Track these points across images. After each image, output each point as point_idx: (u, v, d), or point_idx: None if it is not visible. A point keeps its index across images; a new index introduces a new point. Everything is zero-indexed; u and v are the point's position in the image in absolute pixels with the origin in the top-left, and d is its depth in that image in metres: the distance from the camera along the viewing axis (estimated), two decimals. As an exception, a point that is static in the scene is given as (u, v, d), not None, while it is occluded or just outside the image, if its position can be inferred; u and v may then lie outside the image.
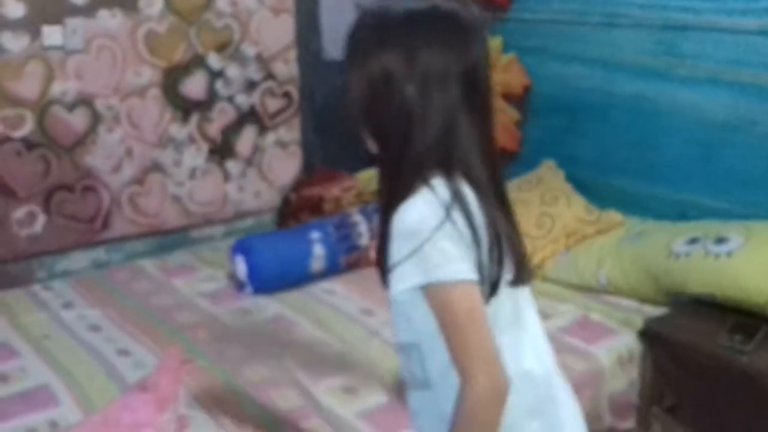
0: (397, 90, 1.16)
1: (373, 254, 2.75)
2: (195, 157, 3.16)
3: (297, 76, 3.36)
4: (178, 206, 3.15)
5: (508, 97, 3.09)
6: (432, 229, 1.11)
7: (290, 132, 3.40)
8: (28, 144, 2.77)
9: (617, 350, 2.22)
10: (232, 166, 3.26)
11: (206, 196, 3.22)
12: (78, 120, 2.85)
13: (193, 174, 3.17)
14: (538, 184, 2.80)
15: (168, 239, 3.12)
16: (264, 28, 3.23)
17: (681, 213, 2.59)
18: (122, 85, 2.93)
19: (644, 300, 2.42)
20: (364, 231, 2.80)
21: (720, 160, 2.51)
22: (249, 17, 3.18)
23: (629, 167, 2.78)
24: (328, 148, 3.51)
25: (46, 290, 2.66)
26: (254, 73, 3.24)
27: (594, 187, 2.82)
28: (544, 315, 2.37)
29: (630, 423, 2.24)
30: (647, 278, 2.38)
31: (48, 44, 2.75)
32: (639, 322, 2.27)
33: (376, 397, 1.97)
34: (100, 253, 2.98)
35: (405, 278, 1.15)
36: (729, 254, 2.19)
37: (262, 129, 3.31)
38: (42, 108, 2.78)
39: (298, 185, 3.33)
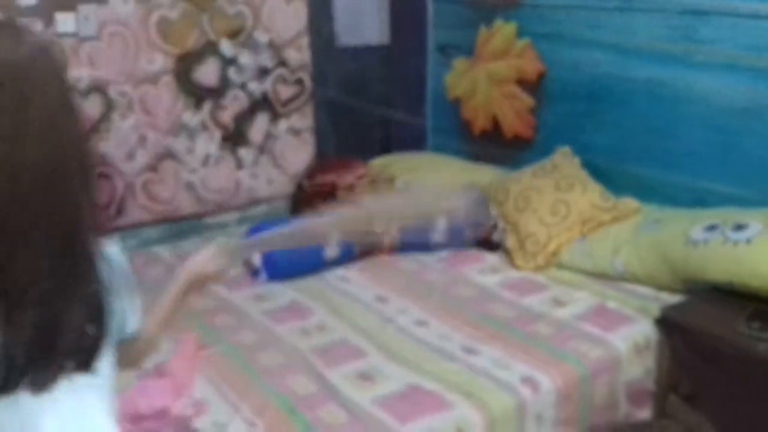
0: None
1: (388, 241, 2.76)
2: (208, 144, 3.16)
3: (309, 62, 3.35)
4: (191, 193, 3.15)
5: (522, 83, 3.08)
6: None
7: (303, 119, 3.39)
8: (42, 131, 2.77)
9: (634, 338, 2.20)
10: (245, 153, 3.26)
11: (219, 183, 3.22)
12: (91, 107, 2.85)
13: (206, 161, 3.16)
14: (553, 171, 2.78)
15: (182, 226, 3.13)
16: (276, 15, 3.22)
17: (699, 200, 2.57)
18: (135, 72, 2.93)
19: (661, 287, 2.40)
20: (378, 218, 2.79)
21: (738, 146, 2.48)
22: (261, 4, 3.17)
23: (646, 154, 2.74)
24: (341, 136, 3.50)
25: (60, 277, 2.67)
26: (267, 60, 3.23)
27: (610, 173, 2.79)
28: (560, 302, 2.40)
29: (647, 411, 2.23)
30: (664, 265, 2.36)
31: (61, 31, 2.74)
32: (656, 310, 2.26)
33: (392, 384, 1.96)
34: (114, 240, 2.98)
35: None
36: (748, 241, 2.16)
37: (275, 116, 3.30)
38: (55, 95, 2.78)
39: (311, 172, 3.33)
